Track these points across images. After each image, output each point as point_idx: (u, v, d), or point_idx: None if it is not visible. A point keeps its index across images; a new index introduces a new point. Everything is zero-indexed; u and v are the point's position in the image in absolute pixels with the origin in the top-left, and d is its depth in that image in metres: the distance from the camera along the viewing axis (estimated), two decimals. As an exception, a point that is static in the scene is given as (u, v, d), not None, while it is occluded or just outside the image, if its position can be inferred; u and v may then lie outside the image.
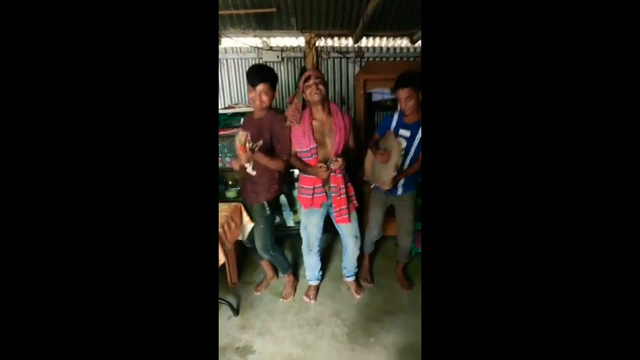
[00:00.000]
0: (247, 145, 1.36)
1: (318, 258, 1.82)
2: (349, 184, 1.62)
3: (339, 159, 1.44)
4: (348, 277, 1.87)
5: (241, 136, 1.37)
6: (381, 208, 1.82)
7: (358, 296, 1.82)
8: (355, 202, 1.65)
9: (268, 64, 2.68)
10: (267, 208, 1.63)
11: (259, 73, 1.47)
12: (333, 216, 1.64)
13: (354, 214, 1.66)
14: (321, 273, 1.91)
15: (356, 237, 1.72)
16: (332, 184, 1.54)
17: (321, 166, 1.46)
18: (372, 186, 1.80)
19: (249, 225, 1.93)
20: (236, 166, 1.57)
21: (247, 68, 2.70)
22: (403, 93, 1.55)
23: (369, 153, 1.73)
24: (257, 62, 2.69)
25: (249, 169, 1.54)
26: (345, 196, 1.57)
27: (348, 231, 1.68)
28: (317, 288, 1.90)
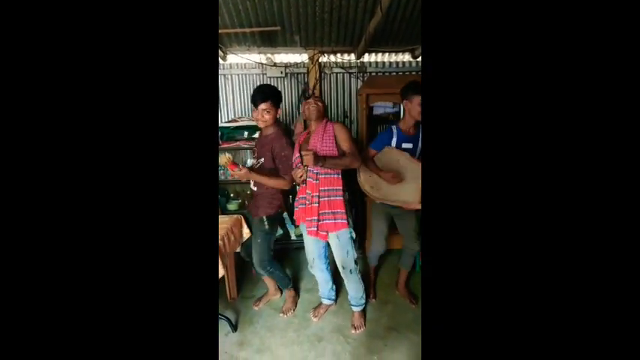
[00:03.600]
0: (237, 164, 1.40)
1: (327, 274, 1.70)
2: (336, 198, 1.45)
3: (307, 152, 1.30)
4: (351, 305, 1.68)
5: (221, 159, 1.39)
6: (384, 220, 1.75)
7: (354, 332, 1.62)
8: (340, 220, 1.45)
9: (272, 79, 2.74)
10: (266, 223, 1.58)
11: (261, 92, 1.47)
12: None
13: (338, 234, 1.48)
14: (334, 291, 1.79)
15: (343, 267, 1.55)
16: (307, 190, 1.45)
17: (297, 169, 1.38)
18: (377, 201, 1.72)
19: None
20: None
21: (252, 84, 2.78)
22: (417, 99, 1.51)
23: (363, 168, 1.65)
24: (261, 77, 2.75)
25: (252, 185, 1.54)
26: (316, 205, 1.43)
27: (336, 259, 1.55)
28: (327, 308, 1.80)
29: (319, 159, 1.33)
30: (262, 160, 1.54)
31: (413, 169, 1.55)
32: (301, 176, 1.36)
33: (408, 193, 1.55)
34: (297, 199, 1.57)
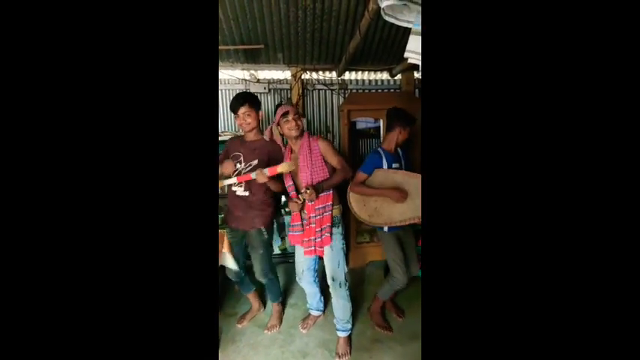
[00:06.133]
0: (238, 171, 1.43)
1: (315, 287, 1.69)
2: (328, 214, 1.45)
3: (307, 190, 1.36)
4: (337, 328, 1.59)
5: (289, 166, 1.39)
6: (400, 247, 1.64)
7: None
8: (328, 234, 1.44)
9: (256, 95, 2.78)
10: (265, 233, 1.60)
11: (237, 98, 1.53)
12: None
13: (332, 245, 1.47)
14: (322, 302, 1.79)
15: (333, 279, 1.50)
16: (304, 211, 1.48)
17: (295, 201, 1.43)
18: (385, 228, 1.63)
19: (226, 254, 1.86)
20: (220, 184, 1.53)
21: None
22: (399, 129, 1.63)
23: (353, 195, 1.61)
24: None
25: (240, 191, 1.54)
26: (314, 225, 1.45)
27: (326, 270, 1.53)
28: (315, 319, 1.78)
29: (319, 190, 1.40)
30: (255, 161, 1.53)
31: (414, 183, 1.53)
32: (299, 205, 1.41)
33: (419, 206, 1.50)
34: (291, 225, 1.56)
